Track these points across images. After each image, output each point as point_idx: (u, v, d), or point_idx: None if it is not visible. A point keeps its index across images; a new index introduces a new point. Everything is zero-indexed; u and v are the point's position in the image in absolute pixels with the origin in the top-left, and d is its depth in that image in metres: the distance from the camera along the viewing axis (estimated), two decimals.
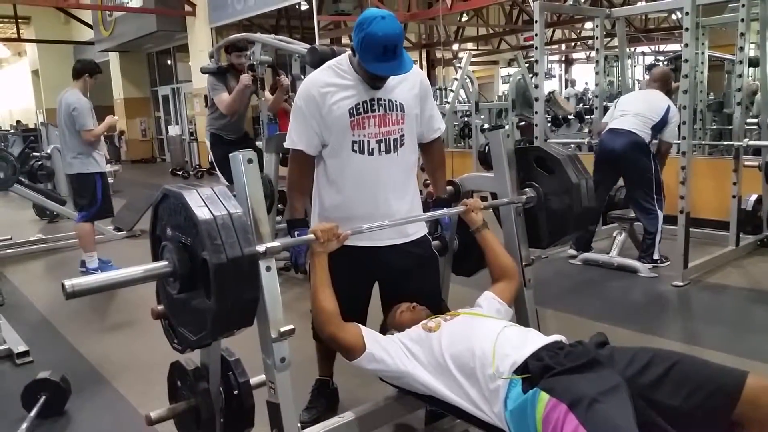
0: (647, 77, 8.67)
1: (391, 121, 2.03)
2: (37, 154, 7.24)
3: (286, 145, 2.11)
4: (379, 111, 2.01)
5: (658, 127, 4.19)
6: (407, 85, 2.07)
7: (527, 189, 2.32)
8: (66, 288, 1.32)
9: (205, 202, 1.41)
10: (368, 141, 2.02)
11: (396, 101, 2.04)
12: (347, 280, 2.01)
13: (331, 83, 2.01)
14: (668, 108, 4.18)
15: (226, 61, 4.72)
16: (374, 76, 1.95)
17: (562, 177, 2.26)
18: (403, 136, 2.06)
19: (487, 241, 2.17)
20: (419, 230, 2.19)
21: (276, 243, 1.58)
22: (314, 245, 1.80)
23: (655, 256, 4.24)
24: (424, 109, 2.15)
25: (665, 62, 8.24)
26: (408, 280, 2.15)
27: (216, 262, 1.36)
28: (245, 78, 4.50)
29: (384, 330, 2.02)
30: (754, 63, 5.27)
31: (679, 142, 3.99)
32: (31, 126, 14.23)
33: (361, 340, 1.83)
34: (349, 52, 2.05)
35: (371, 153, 2.03)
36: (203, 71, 4.73)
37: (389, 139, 2.04)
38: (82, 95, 4.65)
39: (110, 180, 9.82)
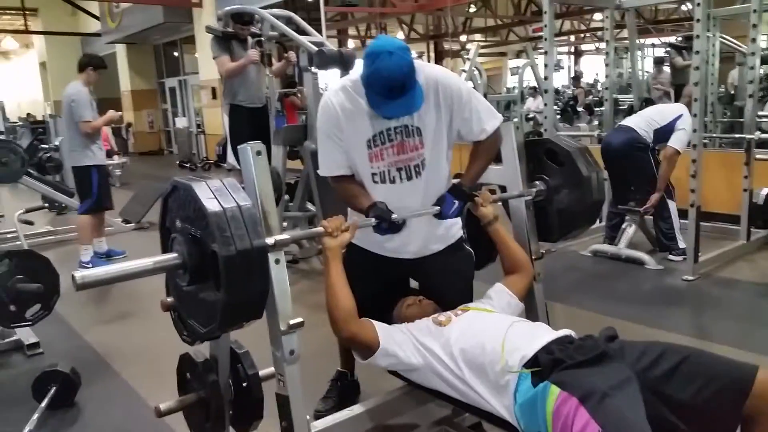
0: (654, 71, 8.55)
1: (409, 148, 1.94)
2: (45, 146, 7.25)
3: (322, 173, 2.04)
4: (396, 139, 1.93)
5: (662, 132, 4.13)
6: (425, 103, 1.91)
7: (537, 182, 2.31)
8: (76, 280, 1.32)
9: (214, 194, 1.40)
10: (388, 170, 1.96)
11: (412, 126, 1.93)
12: (378, 285, 2.04)
13: (347, 108, 1.92)
14: (680, 115, 4.10)
15: (231, 28, 4.65)
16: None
17: (572, 170, 2.24)
18: (424, 160, 1.96)
19: (499, 235, 2.14)
20: (452, 235, 2.12)
21: (285, 236, 1.58)
22: (326, 240, 1.78)
23: (681, 245, 4.20)
24: (456, 116, 1.96)
25: (680, 39, 8.05)
26: (441, 287, 2.10)
27: (225, 255, 1.35)
28: (253, 53, 4.50)
29: (390, 322, 2.01)
30: (765, 61, 5.21)
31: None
32: (39, 118, 14.28)
33: (376, 336, 1.82)
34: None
35: (393, 181, 1.97)
36: (208, 30, 4.69)
37: (409, 166, 1.96)
38: (84, 87, 4.65)
39: (118, 172, 9.97)
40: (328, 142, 1.98)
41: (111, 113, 4.91)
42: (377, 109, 1.84)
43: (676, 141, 4.05)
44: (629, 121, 4.38)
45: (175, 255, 1.47)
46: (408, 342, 1.82)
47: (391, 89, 1.76)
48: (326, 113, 1.96)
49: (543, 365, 1.54)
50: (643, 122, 4.24)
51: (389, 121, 1.90)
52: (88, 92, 4.65)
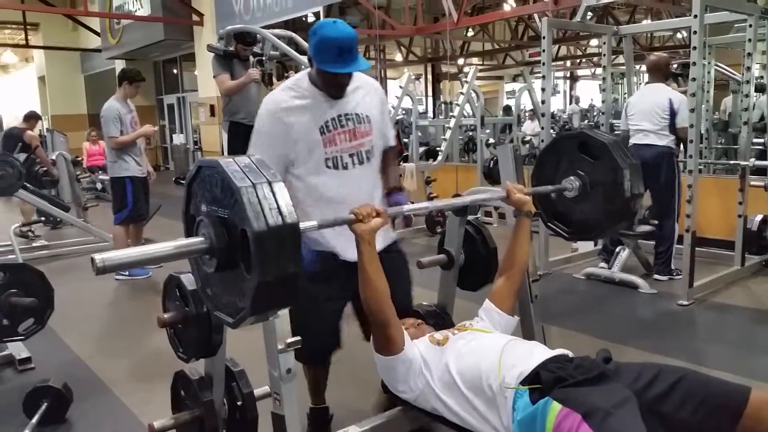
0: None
1: (361, 134, 2.08)
2: None
3: None
4: (348, 125, 2.06)
5: (673, 121, 4.21)
6: (369, 98, 2.13)
7: (571, 177, 2.24)
8: (96, 262, 1.23)
9: (243, 171, 1.33)
10: (341, 156, 2.05)
11: (363, 114, 2.09)
12: (332, 296, 2.08)
13: (292, 105, 2.01)
14: (670, 100, 4.21)
15: (233, 47, 4.66)
16: (333, 81, 1.96)
17: (608, 163, 2.15)
18: (373, 147, 2.13)
19: (521, 228, 2.09)
20: (390, 236, 2.20)
21: (312, 223, 1.59)
22: (357, 226, 1.71)
23: (673, 266, 4.25)
24: (384, 120, 2.20)
25: (675, 66, 8.22)
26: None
27: (257, 231, 1.26)
28: (253, 72, 4.51)
29: None
30: (759, 89, 5.27)
31: (686, 160, 3.98)
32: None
33: (403, 337, 1.82)
34: (308, 70, 2.06)
35: (345, 167, 2.06)
36: (209, 49, 4.71)
37: (361, 152, 2.09)
38: (117, 102, 4.77)
39: None
40: (260, 138, 2.07)
41: (146, 127, 5.01)
42: (329, 67, 1.90)
43: (684, 120, 4.09)
44: (644, 140, 4.27)
45: (201, 239, 1.38)
46: (418, 358, 1.82)
47: (341, 50, 1.87)
48: (267, 110, 2.06)
49: (544, 382, 1.54)
50: (657, 135, 4.23)
51: (341, 107, 2.04)
52: (119, 107, 4.74)
